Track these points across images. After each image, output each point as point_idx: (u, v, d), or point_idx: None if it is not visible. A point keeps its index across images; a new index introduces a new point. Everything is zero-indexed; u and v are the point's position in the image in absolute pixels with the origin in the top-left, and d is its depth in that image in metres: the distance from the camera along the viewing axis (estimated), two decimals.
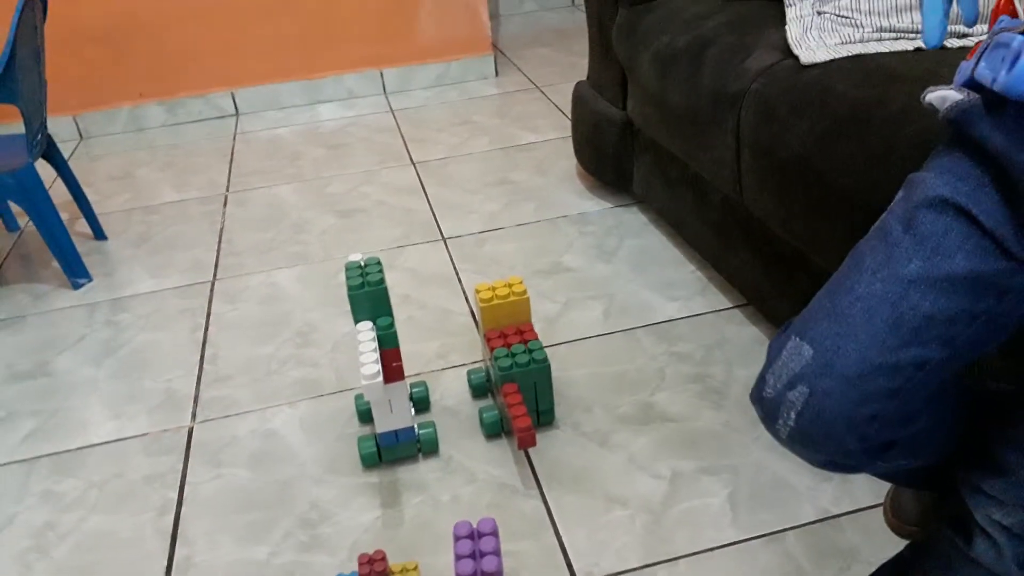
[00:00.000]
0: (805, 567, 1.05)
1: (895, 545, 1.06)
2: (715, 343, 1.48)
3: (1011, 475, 0.69)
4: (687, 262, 1.73)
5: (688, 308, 1.59)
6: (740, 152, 1.35)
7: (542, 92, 2.82)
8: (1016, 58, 0.57)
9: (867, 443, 0.65)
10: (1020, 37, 0.58)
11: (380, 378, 1.10)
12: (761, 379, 0.69)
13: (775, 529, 1.11)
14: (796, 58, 1.27)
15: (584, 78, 2.08)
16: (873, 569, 0.96)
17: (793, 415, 0.65)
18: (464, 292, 1.72)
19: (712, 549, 1.10)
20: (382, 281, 1.17)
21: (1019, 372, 0.74)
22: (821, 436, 0.64)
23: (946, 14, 0.64)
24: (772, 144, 1.25)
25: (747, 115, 1.31)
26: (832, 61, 1.22)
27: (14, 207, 2.20)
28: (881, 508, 1.12)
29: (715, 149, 1.43)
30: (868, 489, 1.15)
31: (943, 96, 0.65)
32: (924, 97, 0.68)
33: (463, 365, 1.49)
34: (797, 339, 0.67)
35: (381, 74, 2.95)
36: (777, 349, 0.69)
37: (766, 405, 0.68)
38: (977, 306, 0.62)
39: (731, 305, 1.59)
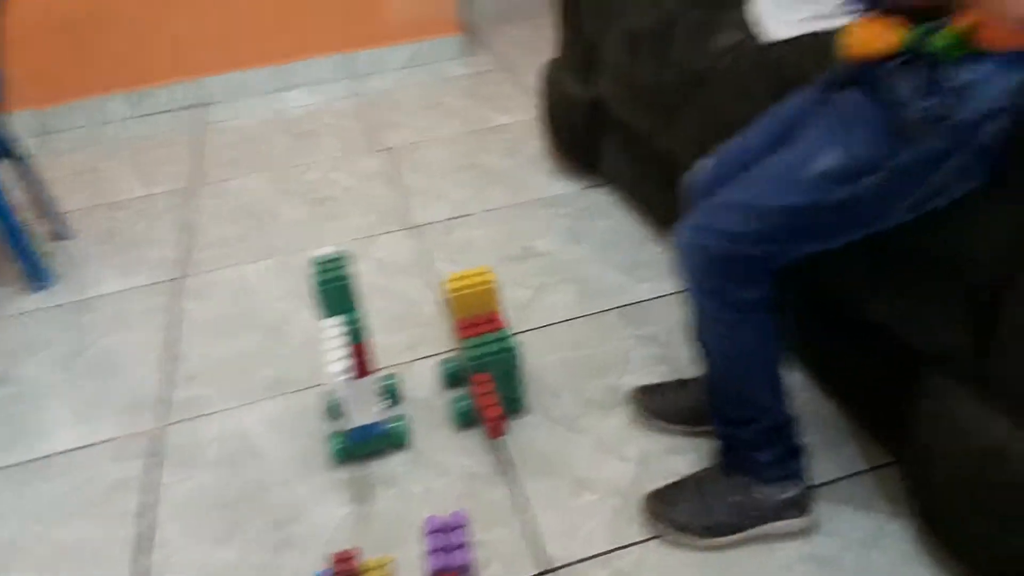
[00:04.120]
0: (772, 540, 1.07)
1: (863, 521, 1.07)
2: (682, 324, 1.48)
3: None
4: (656, 242, 1.73)
5: (658, 288, 1.59)
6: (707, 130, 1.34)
7: (513, 71, 2.79)
8: None
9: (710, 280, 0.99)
10: None
11: (347, 375, 1.10)
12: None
13: None
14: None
15: (554, 57, 2.06)
16: (835, 538, 0.97)
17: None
18: (433, 281, 1.71)
19: None
20: (349, 276, 1.16)
21: None
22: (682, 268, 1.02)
23: None
24: (739, 122, 1.24)
25: (716, 93, 1.30)
26: (797, 38, 1.21)
27: None
28: (844, 482, 1.14)
29: (683, 127, 1.42)
30: (836, 465, 1.16)
31: None
32: None
33: (434, 355, 1.48)
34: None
35: (350, 58, 2.90)
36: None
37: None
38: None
39: None
